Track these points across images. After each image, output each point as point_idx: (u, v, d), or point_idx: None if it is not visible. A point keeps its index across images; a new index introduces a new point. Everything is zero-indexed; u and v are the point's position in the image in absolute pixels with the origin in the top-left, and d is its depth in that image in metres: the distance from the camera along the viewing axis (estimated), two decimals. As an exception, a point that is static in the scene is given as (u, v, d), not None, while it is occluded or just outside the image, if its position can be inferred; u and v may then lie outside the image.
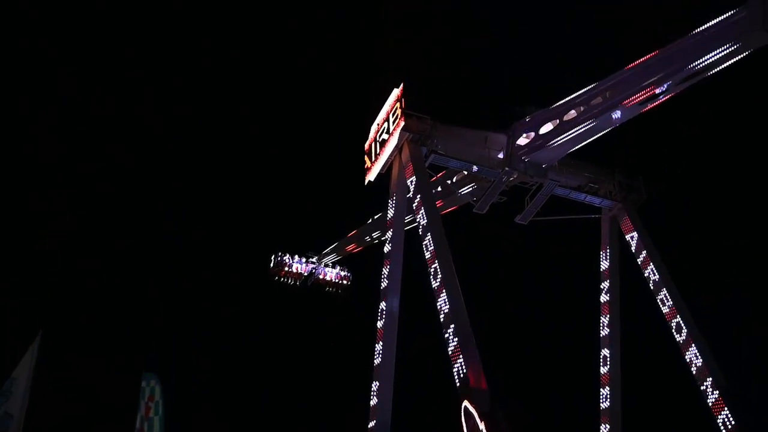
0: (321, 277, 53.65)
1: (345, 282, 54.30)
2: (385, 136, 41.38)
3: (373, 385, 36.58)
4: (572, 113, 38.40)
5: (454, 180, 44.31)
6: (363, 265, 52.98)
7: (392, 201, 40.77)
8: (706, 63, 33.00)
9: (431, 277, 34.41)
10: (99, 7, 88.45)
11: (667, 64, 34.30)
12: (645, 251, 40.62)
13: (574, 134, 38.58)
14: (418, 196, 37.78)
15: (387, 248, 39.41)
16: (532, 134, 40.18)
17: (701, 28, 33.02)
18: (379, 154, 42.01)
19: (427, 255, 35.17)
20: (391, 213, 40.52)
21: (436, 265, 34.11)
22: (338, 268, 54.48)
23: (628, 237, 41.94)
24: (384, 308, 37.87)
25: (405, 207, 40.31)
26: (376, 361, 37.00)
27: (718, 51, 32.22)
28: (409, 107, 40.33)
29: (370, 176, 42.88)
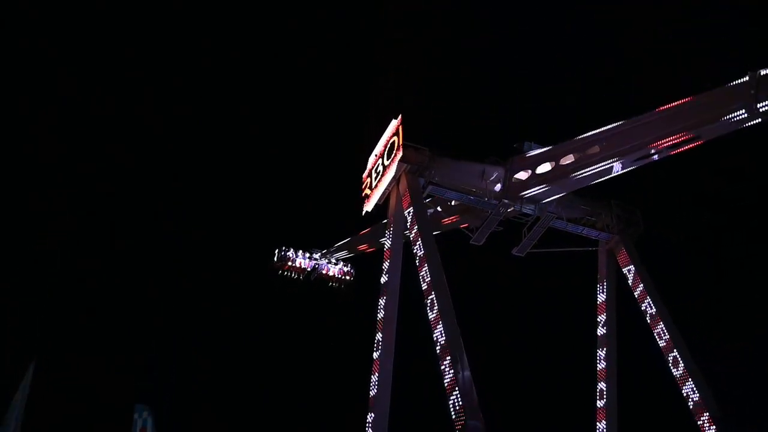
0: (324, 272, 53.41)
1: (348, 278, 53.96)
2: (383, 167, 41.54)
3: (368, 416, 36.34)
4: (570, 157, 38.66)
5: (438, 209, 44.44)
6: (367, 263, 52.77)
7: (389, 231, 40.80)
8: (708, 128, 33.64)
9: (428, 308, 34.40)
10: (99, 7, 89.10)
11: (666, 125, 34.77)
12: (642, 285, 40.65)
13: (571, 179, 38.93)
14: (416, 227, 37.86)
15: (384, 279, 39.36)
16: (530, 172, 40.40)
17: (704, 94, 33.51)
18: (377, 185, 42.13)
19: (424, 286, 35.17)
20: (388, 244, 40.50)
21: (433, 296, 34.11)
22: (341, 264, 54.41)
23: (625, 270, 41.96)
24: (380, 339, 37.73)
25: (402, 238, 40.38)
26: (372, 393, 36.78)
27: (725, 117, 32.62)
28: (408, 138, 40.56)
29: (368, 206, 42.97)
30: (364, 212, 43.23)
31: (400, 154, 40.06)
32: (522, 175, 40.49)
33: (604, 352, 41.94)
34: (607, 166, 37.24)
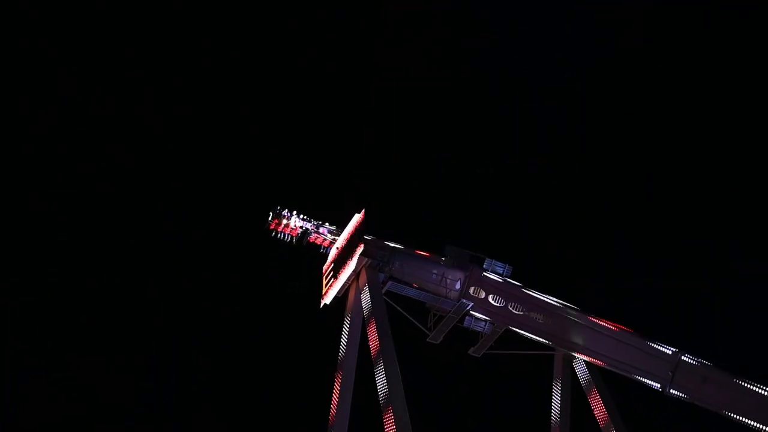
0: (317, 236, 52.46)
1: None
2: (343, 260, 41.57)
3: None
4: (519, 307, 39.34)
5: None
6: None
7: (347, 326, 40.58)
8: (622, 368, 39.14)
9: (382, 407, 34.06)
10: (99, 7, 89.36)
11: (602, 344, 39.60)
12: (596, 389, 40.65)
13: (513, 324, 40.26)
14: (373, 323, 37.73)
15: (338, 381, 38.81)
16: (483, 294, 40.55)
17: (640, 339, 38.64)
18: (336, 278, 42.04)
19: (379, 386, 34.86)
20: (344, 338, 40.22)
21: (388, 396, 33.76)
22: (335, 228, 53.70)
23: (579, 374, 41.94)
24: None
25: (359, 332, 40.12)
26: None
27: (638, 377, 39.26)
28: (370, 232, 40.78)
29: (327, 299, 42.78)
30: (321, 305, 42.97)
31: (360, 248, 40.16)
32: (476, 291, 40.67)
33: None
34: (543, 341, 39.79)
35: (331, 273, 42.72)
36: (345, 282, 41.56)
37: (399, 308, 42.93)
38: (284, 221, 52.80)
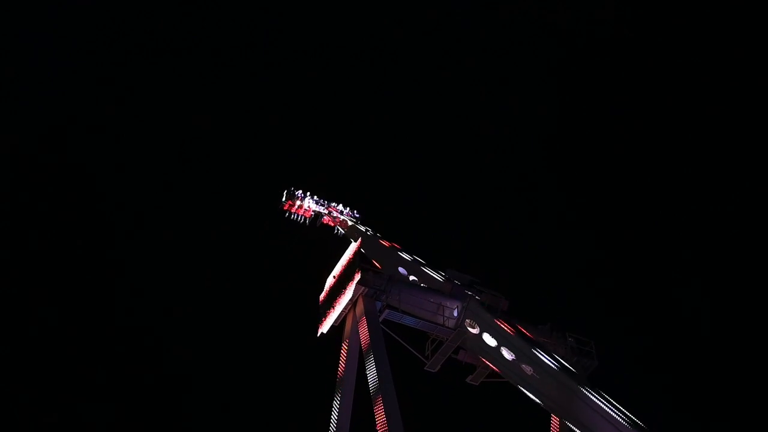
0: (329, 219, 51.95)
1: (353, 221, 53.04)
2: (340, 289, 41.43)
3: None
4: (509, 354, 37.97)
5: None
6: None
7: (344, 354, 40.33)
8: None
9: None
10: (99, 7, 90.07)
11: None
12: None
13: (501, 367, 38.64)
14: (371, 353, 37.52)
15: (335, 410, 38.50)
16: (477, 329, 39.88)
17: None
18: (333, 307, 41.86)
19: (377, 417, 34.57)
20: (342, 367, 39.98)
21: (387, 429, 33.51)
22: (348, 209, 53.16)
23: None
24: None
25: (357, 362, 39.87)
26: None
27: None
28: (366, 262, 40.69)
29: (323, 328, 42.59)
30: (318, 334, 42.77)
31: (358, 277, 40.04)
32: (472, 324, 40.19)
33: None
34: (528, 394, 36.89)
35: (328, 302, 42.54)
36: (342, 311, 41.39)
37: (396, 337, 42.80)
38: (298, 202, 52.96)
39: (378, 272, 40.73)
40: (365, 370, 38.13)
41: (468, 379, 42.38)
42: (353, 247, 41.65)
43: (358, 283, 39.99)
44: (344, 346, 40.82)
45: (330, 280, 42.97)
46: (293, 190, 52.61)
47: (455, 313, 40.74)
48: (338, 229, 53.78)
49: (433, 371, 41.92)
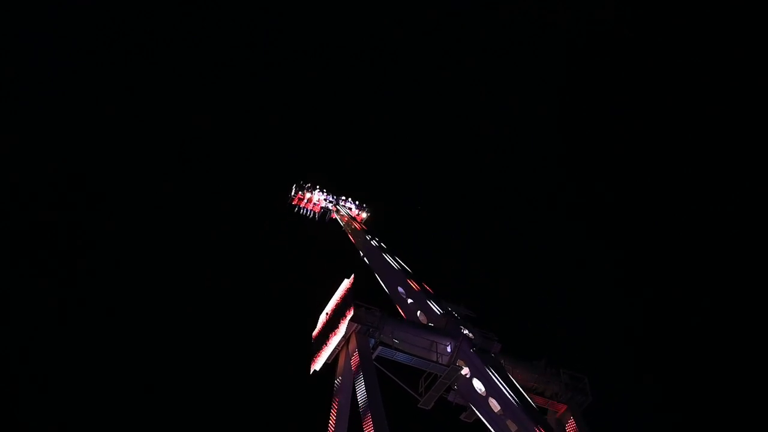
0: (338, 213, 51.64)
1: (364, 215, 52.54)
2: (333, 325, 41.38)
3: None
4: (495, 405, 37.87)
5: None
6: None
7: (336, 391, 40.17)
8: None
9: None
10: (99, 7, 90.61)
11: None
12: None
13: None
14: (364, 390, 37.37)
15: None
16: (468, 373, 39.80)
17: None
18: (326, 343, 41.77)
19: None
20: (335, 405, 39.78)
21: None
22: (356, 204, 52.75)
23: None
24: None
25: (350, 399, 39.68)
26: None
27: None
28: (359, 298, 40.71)
29: (316, 365, 42.44)
30: (311, 371, 42.59)
31: (350, 314, 40.03)
32: (461, 365, 40.08)
33: None
34: None
35: (321, 338, 42.45)
36: (335, 348, 41.27)
37: (389, 374, 42.64)
38: (308, 195, 53.06)
39: (371, 309, 40.65)
40: (358, 406, 37.97)
41: (462, 416, 42.09)
42: (346, 283, 41.65)
43: (350, 320, 39.98)
44: (336, 383, 40.68)
45: (323, 317, 42.95)
46: (302, 183, 52.88)
47: (449, 349, 40.70)
48: (348, 228, 54.01)
49: (426, 408, 41.65)
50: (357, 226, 54.30)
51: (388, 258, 50.11)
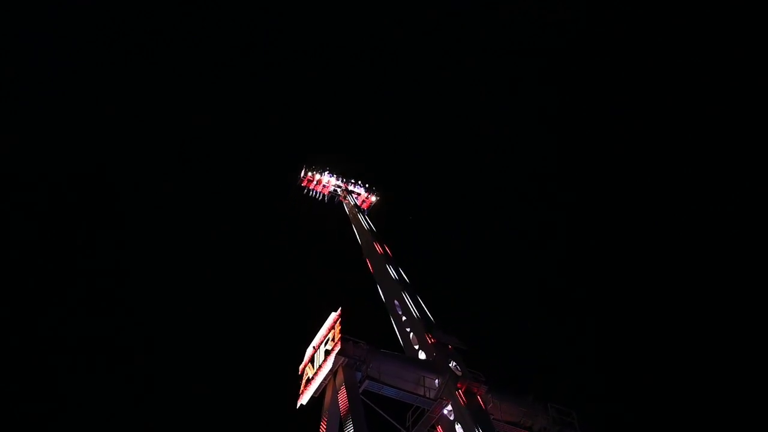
0: (347, 195, 51.12)
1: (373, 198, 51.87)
2: (320, 359, 41.16)
3: None
4: None
5: None
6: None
7: (324, 427, 39.79)
8: None
9: None
10: (99, 7, 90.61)
11: None
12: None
13: None
14: (349, 419, 37.12)
15: None
16: (452, 416, 39.57)
17: None
18: (313, 377, 41.52)
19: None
20: (322, 438, 39.42)
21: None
22: (366, 188, 52.32)
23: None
24: None
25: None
26: None
27: None
28: (346, 332, 40.54)
29: (303, 399, 42.08)
30: (298, 405, 42.25)
31: (338, 348, 39.87)
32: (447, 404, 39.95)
33: None
34: None
35: (308, 373, 42.19)
36: (322, 382, 41.00)
37: (377, 408, 42.39)
38: (317, 176, 52.95)
39: (358, 343, 40.51)
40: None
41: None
42: (333, 316, 41.51)
43: (338, 353, 39.80)
44: (324, 418, 40.32)
45: (310, 350, 42.73)
46: (312, 165, 53.02)
47: (436, 383, 40.55)
48: (349, 215, 53.95)
49: (414, 444, 41.43)
50: (361, 220, 53.81)
51: (390, 269, 50.05)
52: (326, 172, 55.74)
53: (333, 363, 40.00)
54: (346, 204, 56.84)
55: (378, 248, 51.99)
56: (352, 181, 56.97)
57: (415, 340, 45.17)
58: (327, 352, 40.61)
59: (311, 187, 54.08)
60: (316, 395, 41.56)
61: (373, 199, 58.42)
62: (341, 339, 40.17)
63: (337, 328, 40.70)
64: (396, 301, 47.67)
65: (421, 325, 45.34)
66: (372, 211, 58.03)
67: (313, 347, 42.51)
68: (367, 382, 39.93)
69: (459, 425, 38.67)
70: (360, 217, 54.87)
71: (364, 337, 41.18)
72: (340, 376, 39.89)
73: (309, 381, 41.77)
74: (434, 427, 40.51)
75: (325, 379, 40.82)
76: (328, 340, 41.16)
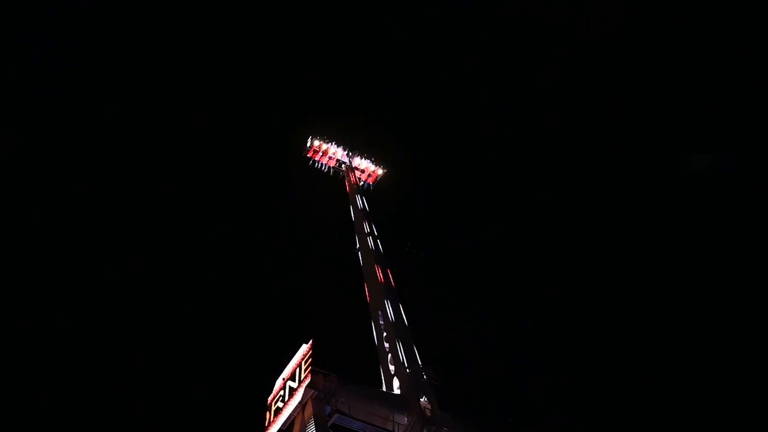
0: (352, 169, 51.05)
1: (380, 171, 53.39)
2: (289, 391, 40.72)
3: None
4: None
5: None
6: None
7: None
8: None
9: None
10: (99, 7, 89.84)
11: None
12: None
13: None
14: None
15: None
16: None
17: None
18: (282, 409, 41.01)
19: None
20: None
21: None
22: (371, 161, 52.22)
23: None
24: None
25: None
26: None
27: None
28: (317, 364, 40.15)
29: (271, 431, 41.52)
30: (265, 438, 41.70)
31: (308, 380, 39.43)
32: None
33: None
34: None
35: (277, 404, 41.69)
36: (291, 414, 40.50)
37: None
38: (324, 146, 52.70)
39: (329, 376, 40.08)
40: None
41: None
42: (304, 348, 41.07)
43: (307, 386, 39.37)
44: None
45: (279, 382, 42.21)
46: (318, 138, 52.83)
47: (406, 420, 40.16)
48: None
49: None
50: (360, 202, 53.28)
51: (379, 271, 49.73)
52: (332, 143, 55.63)
53: (302, 395, 39.53)
54: (348, 181, 56.37)
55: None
56: (358, 153, 56.76)
57: (392, 360, 44.71)
58: (296, 385, 40.14)
59: (316, 158, 53.85)
60: (284, 428, 41.03)
61: (380, 172, 58.11)
62: (311, 371, 39.73)
63: (308, 362, 40.24)
64: (379, 311, 47.18)
65: (398, 339, 44.82)
66: (378, 187, 57.76)
67: (283, 378, 41.98)
68: (336, 415, 39.51)
69: None
70: (357, 198, 54.05)
71: (345, 346, 40.98)
72: (309, 409, 39.42)
73: (278, 412, 41.23)
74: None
75: (294, 411, 40.31)
76: (297, 372, 40.68)
